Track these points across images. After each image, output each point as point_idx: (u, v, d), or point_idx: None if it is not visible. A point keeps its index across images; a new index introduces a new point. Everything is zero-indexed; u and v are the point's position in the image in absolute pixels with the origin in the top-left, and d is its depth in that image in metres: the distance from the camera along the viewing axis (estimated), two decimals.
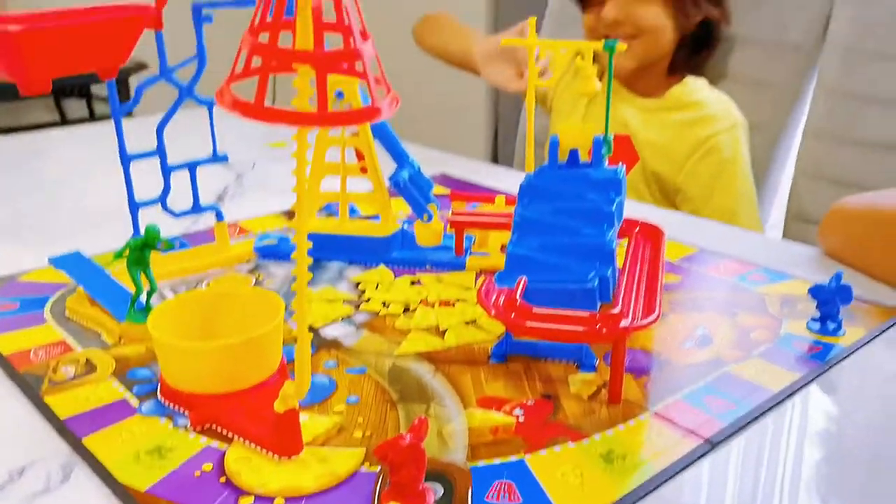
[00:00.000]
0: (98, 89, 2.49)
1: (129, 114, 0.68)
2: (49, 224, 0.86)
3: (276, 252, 0.74)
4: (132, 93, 0.67)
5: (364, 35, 0.37)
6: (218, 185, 0.97)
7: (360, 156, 0.72)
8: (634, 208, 0.85)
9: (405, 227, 0.74)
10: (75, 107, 2.48)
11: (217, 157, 0.70)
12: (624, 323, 0.50)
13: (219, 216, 0.72)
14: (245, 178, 1.00)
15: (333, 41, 0.38)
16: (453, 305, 0.64)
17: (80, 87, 2.43)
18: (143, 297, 0.59)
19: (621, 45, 0.66)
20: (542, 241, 0.58)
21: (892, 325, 0.61)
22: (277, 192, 0.94)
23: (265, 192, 0.95)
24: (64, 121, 2.37)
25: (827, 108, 1.08)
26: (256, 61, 0.38)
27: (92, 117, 2.46)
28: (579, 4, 1.16)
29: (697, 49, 1.14)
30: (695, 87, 1.12)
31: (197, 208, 0.70)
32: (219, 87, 0.38)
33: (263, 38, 0.37)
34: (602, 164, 0.62)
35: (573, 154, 0.63)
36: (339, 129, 0.71)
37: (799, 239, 1.08)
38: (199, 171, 0.70)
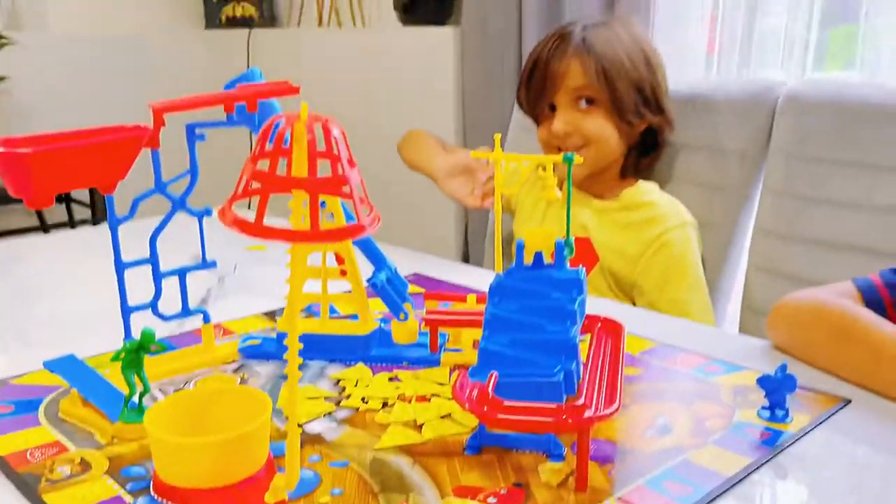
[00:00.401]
0: (77, 193, 2.54)
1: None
2: (36, 328, 0.89)
3: (259, 352, 0.77)
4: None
5: (351, 163, 0.43)
6: (201, 287, 1.01)
7: (339, 260, 0.77)
8: (597, 304, 0.90)
9: (382, 325, 0.78)
10: (55, 211, 2.52)
11: (206, 264, 0.75)
12: (588, 413, 0.54)
13: (205, 319, 0.76)
14: (227, 280, 1.04)
15: (324, 165, 0.44)
16: (429, 400, 0.68)
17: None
18: (136, 398, 0.63)
19: (578, 158, 0.73)
20: (511, 337, 0.62)
21: (835, 412, 0.66)
22: (259, 293, 0.98)
23: (247, 294, 0.99)
24: (43, 225, 2.41)
25: (774, 209, 1.16)
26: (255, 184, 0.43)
27: (71, 221, 2.51)
28: (533, 119, 1.25)
29: (644, 154, 1.23)
30: (645, 189, 1.20)
31: (186, 312, 0.74)
32: (221, 207, 0.43)
33: (263, 165, 0.42)
34: (564, 265, 0.68)
35: (538, 256, 0.68)
36: None
37: (754, 331, 1.14)
38: (186, 277, 0.74)
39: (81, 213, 2.52)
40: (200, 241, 0.74)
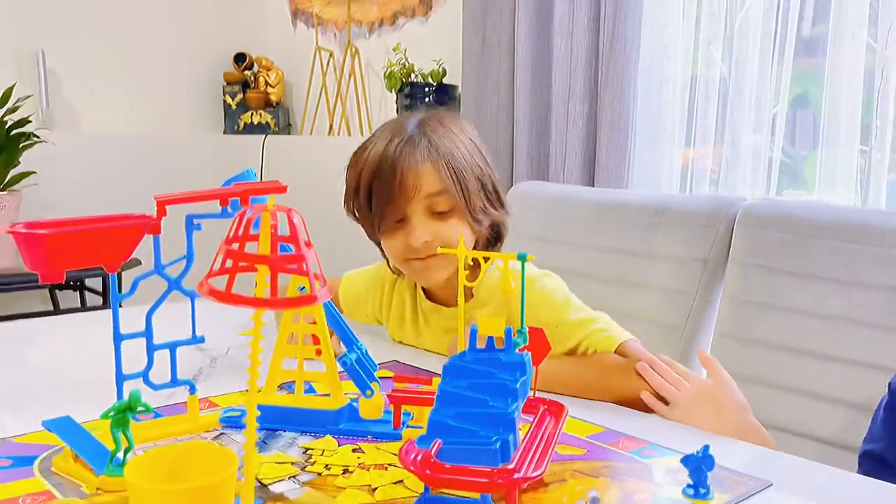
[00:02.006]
0: (91, 283, 2.66)
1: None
2: (39, 394, 0.97)
3: (239, 422, 0.85)
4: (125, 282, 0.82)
5: (308, 244, 0.52)
6: (194, 367, 1.09)
7: (316, 340, 0.85)
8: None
9: (352, 402, 0.86)
10: (69, 297, 2.63)
11: (195, 339, 0.84)
12: (517, 476, 0.61)
13: (192, 389, 0.84)
14: (219, 361, 1.13)
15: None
16: (386, 469, 0.75)
17: (75, 280, 2.60)
18: (121, 454, 0.70)
19: (531, 256, 0.82)
20: (458, 410, 0.70)
21: (756, 493, 0.73)
22: (246, 374, 1.06)
23: (236, 374, 1.07)
24: (56, 310, 2.51)
25: (733, 314, 1.24)
26: (229, 263, 0.53)
27: (83, 307, 2.61)
28: (372, 229, 1.15)
29: (489, 248, 1.16)
30: (486, 278, 1.11)
31: (175, 382, 0.82)
32: (200, 281, 0.52)
33: (235, 246, 0.52)
34: (513, 350, 0.76)
35: (490, 341, 0.77)
36: (300, 318, 0.85)
37: None
38: (179, 354, 0.83)
39: (93, 300, 2.63)
40: (192, 318, 0.83)
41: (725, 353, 1.24)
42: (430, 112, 1.17)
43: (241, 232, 0.52)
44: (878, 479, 0.84)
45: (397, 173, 1.07)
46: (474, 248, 1.14)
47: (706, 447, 0.72)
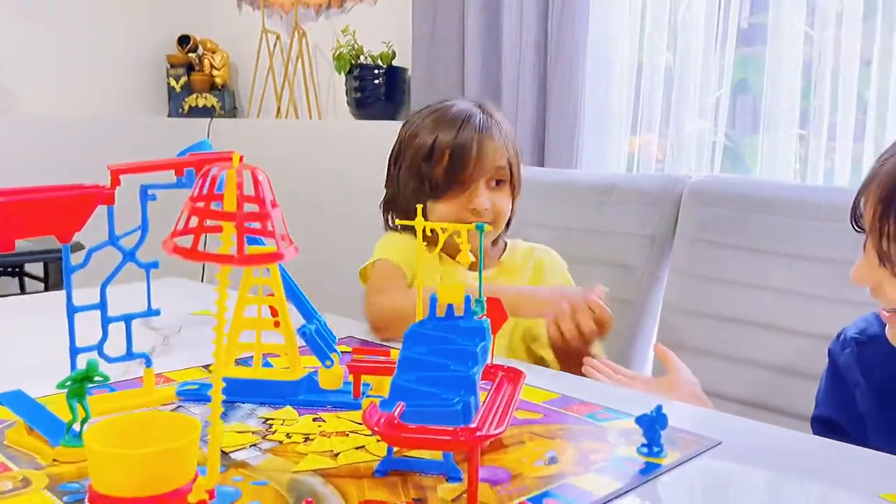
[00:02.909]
0: (31, 267, 2.58)
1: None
2: None
3: (197, 395, 0.84)
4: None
5: (273, 204, 0.52)
6: (146, 345, 1.07)
7: (274, 312, 0.85)
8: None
9: (311, 374, 0.86)
10: (7, 284, 2.56)
11: (151, 312, 0.83)
12: (479, 433, 0.63)
13: (147, 363, 0.83)
14: (172, 339, 1.11)
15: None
16: (347, 435, 0.76)
17: (13, 265, 2.52)
18: (78, 425, 0.69)
19: (489, 227, 0.84)
20: (419, 374, 0.71)
21: (706, 450, 0.75)
22: (201, 352, 1.05)
23: (189, 351, 1.06)
24: None
25: (679, 288, 1.28)
26: (193, 221, 0.53)
27: (23, 293, 2.54)
28: (431, 194, 1.26)
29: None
30: (515, 249, 1.32)
31: (130, 355, 0.81)
32: (164, 239, 0.52)
33: (200, 204, 0.52)
34: (472, 317, 0.77)
35: (449, 309, 0.78)
36: (258, 290, 0.85)
37: None
38: (132, 331, 0.82)
39: (34, 286, 2.55)
40: (147, 290, 0.82)
41: (673, 325, 1.28)
42: (483, 101, 1.34)
43: (205, 191, 0.52)
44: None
45: (475, 146, 1.22)
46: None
47: (659, 407, 0.75)
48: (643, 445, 0.74)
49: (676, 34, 1.82)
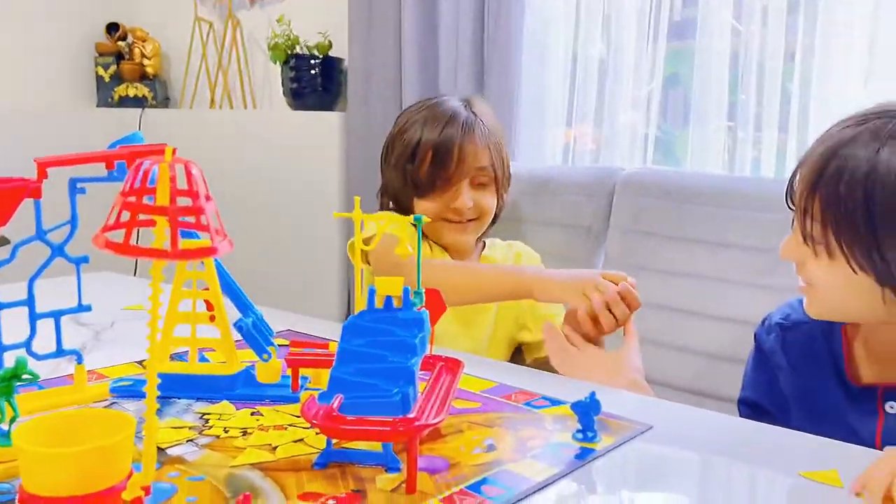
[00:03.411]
0: None
1: None
2: None
3: (131, 391, 0.83)
4: None
5: (207, 197, 0.52)
6: (77, 341, 1.05)
7: (209, 306, 0.84)
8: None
9: (248, 368, 0.85)
10: None
11: (81, 307, 0.81)
12: (417, 423, 0.63)
13: (79, 360, 0.82)
14: (103, 335, 1.09)
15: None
16: (286, 429, 0.76)
17: None
18: (6, 425, 0.67)
19: (426, 219, 0.84)
20: (358, 367, 0.71)
21: (638, 435, 0.78)
22: (134, 347, 1.03)
23: (122, 347, 1.04)
24: None
25: None
26: (125, 216, 0.52)
27: None
28: (415, 192, 1.29)
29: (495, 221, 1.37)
30: (494, 245, 1.36)
31: (60, 352, 0.79)
32: (95, 234, 0.51)
33: (131, 199, 0.51)
34: (411, 308, 0.78)
35: (388, 300, 0.78)
36: (192, 284, 0.84)
37: None
38: (62, 328, 0.80)
39: None
40: (77, 285, 0.80)
41: None
42: (472, 96, 1.37)
43: (137, 184, 0.51)
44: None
45: (456, 148, 1.25)
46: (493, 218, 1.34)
47: (593, 394, 0.77)
48: (578, 431, 0.76)
49: (610, 27, 1.85)
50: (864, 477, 0.63)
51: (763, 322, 0.99)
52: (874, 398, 0.87)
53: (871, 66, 1.48)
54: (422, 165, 1.27)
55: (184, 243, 0.53)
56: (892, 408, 0.85)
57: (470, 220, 1.29)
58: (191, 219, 0.52)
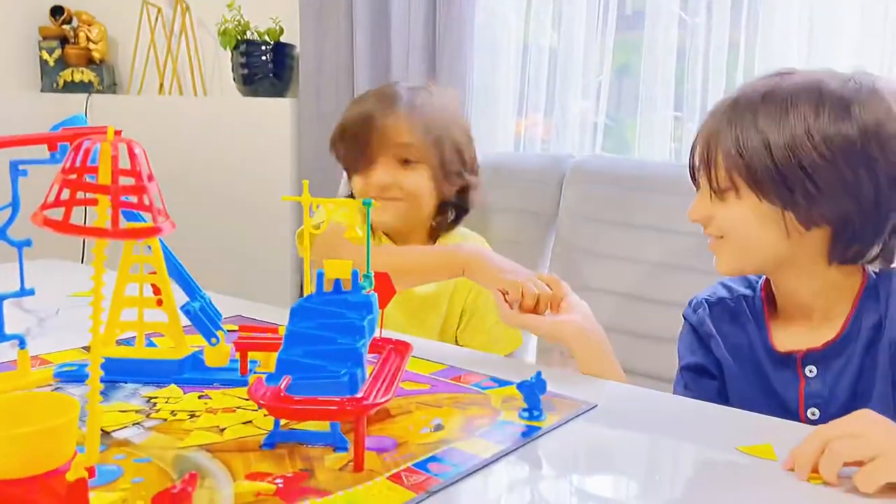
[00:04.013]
0: None
1: None
2: None
3: (75, 376, 0.82)
4: None
5: (150, 178, 0.52)
6: (21, 327, 1.03)
7: (156, 290, 0.84)
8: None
9: (196, 352, 0.85)
10: None
11: (24, 292, 0.80)
12: (365, 402, 0.64)
13: (21, 344, 0.80)
14: (48, 321, 1.07)
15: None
16: (234, 411, 0.76)
17: None
18: None
19: (375, 203, 0.85)
20: (306, 349, 0.72)
21: (582, 413, 0.79)
22: (79, 333, 1.01)
23: (67, 333, 1.02)
24: None
25: (563, 262, 1.33)
26: (65, 194, 0.51)
27: None
28: (346, 168, 1.30)
29: (455, 213, 1.32)
30: (449, 237, 1.33)
31: (2, 337, 0.78)
32: (33, 212, 0.51)
33: (72, 177, 0.50)
34: (359, 291, 0.78)
35: (337, 283, 0.78)
36: (138, 268, 0.83)
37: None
38: (4, 313, 0.78)
39: None
40: (20, 270, 0.79)
41: None
42: (428, 84, 1.38)
43: (78, 163, 0.51)
44: (698, 386, 0.94)
45: (375, 119, 1.22)
46: (441, 208, 1.30)
47: (539, 373, 0.78)
48: (524, 410, 0.78)
49: (561, 16, 1.87)
50: (794, 453, 0.66)
51: (690, 303, 1.03)
52: (795, 364, 0.91)
53: (809, 58, 1.52)
54: (343, 141, 1.28)
55: (128, 225, 0.53)
56: (811, 372, 0.90)
57: (392, 200, 1.25)
58: (133, 198, 0.51)
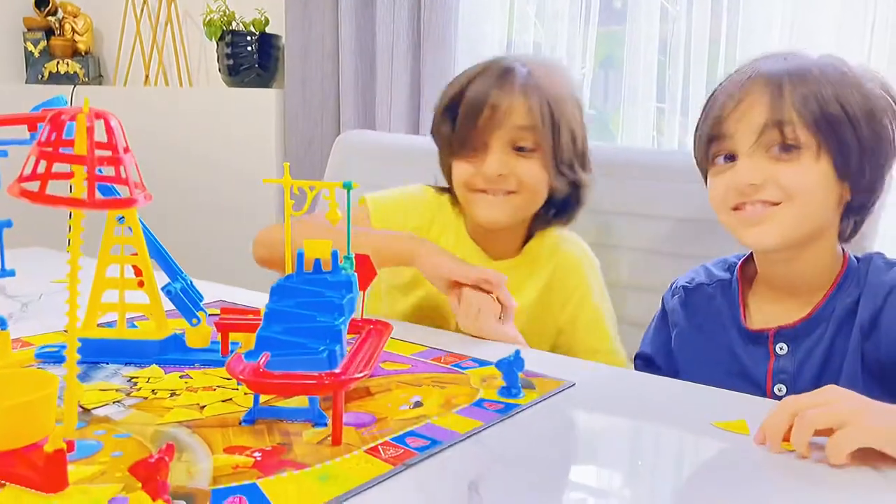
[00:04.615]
0: None
1: None
2: None
3: (57, 357, 0.82)
4: None
5: (126, 150, 0.52)
6: (3, 311, 1.03)
7: (137, 272, 0.84)
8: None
9: (178, 332, 0.85)
10: None
11: (4, 272, 0.80)
12: (343, 377, 0.65)
13: (2, 325, 0.81)
14: (30, 306, 1.07)
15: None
16: (215, 389, 0.76)
17: None
18: None
19: (355, 184, 0.85)
20: (285, 326, 0.72)
21: (561, 391, 0.80)
22: (62, 317, 1.01)
23: (50, 318, 1.02)
24: None
25: None
26: (42, 167, 0.52)
27: None
28: (448, 151, 1.12)
29: (562, 210, 1.13)
30: (545, 238, 1.17)
31: None
32: (10, 184, 0.51)
33: (48, 149, 0.51)
34: (339, 271, 0.79)
35: (317, 263, 0.79)
36: (120, 250, 0.84)
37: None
38: None
39: None
40: (0, 251, 0.79)
41: None
42: (544, 59, 1.18)
43: (53, 137, 0.51)
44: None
45: (488, 99, 1.05)
46: (549, 204, 1.12)
47: (517, 351, 0.79)
48: (503, 388, 0.79)
49: (545, 10, 1.88)
50: (765, 425, 0.67)
51: (671, 286, 1.05)
52: (766, 341, 0.92)
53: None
54: (448, 121, 1.09)
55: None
56: (781, 349, 0.91)
57: (507, 193, 1.08)
58: (109, 171, 0.52)
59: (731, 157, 0.90)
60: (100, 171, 0.53)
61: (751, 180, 0.87)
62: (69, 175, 0.52)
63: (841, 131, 0.85)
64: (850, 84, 0.86)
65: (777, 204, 0.87)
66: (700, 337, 0.97)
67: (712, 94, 0.95)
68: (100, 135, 0.54)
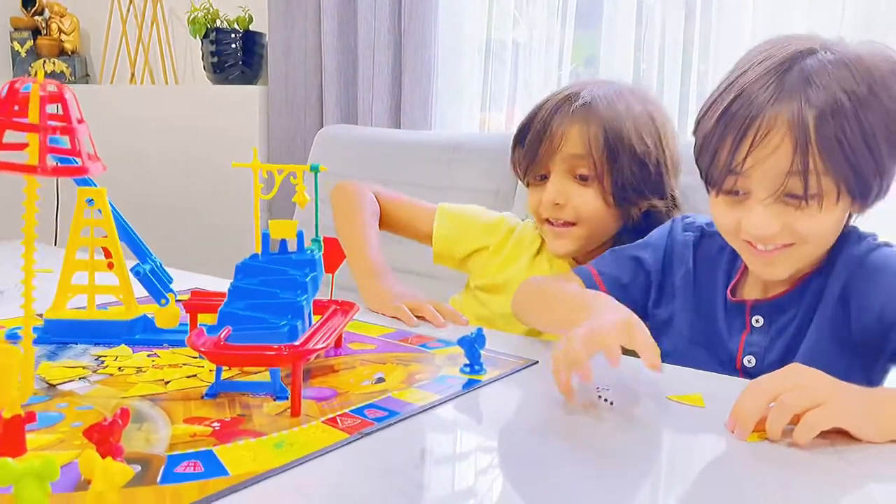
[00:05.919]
0: None
1: None
2: None
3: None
4: None
5: (80, 121, 0.53)
6: None
7: (107, 254, 0.85)
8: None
9: (147, 314, 0.86)
10: None
11: None
12: (303, 348, 0.66)
13: None
14: (6, 294, 1.08)
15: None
16: (180, 367, 0.77)
17: None
18: None
19: (323, 167, 0.87)
20: (248, 303, 0.73)
21: (523, 369, 0.82)
22: (38, 303, 1.02)
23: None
24: None
25: None
26: None
27: None
28: (521, 178, 1.14)
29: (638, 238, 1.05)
30: None
31: None
32: None
33: None
34: (304, 251, 0.80)
35: (283, 243, 0.80)
36: (89, 232, 0.85)
37: None
38: None
39: None
40: None
41: None
42: (613, 83, 1.10)
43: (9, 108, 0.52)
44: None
45: (547, 126, 1.05)
46: (620, 232, 1.09)
47: (479, 329, 0.81)
48: (465, 365, 0.80)
49: (523, 11, 1.89)
50: (736, 410, 0.66)
51: (683, 218, 1.00)
52: (744, 312, 0.91)
53: None
54: (518, 147, 1.11)
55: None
56: (757, 322, 0.90)
57: (565, 225, 1.07)
58: (64, 141, 0.53)
59: (745, 193, 0.83)
60: (57, 141, 0.54)
61: (768, 232, 0.81)
62: (24, 145, 0.53)
63: (864, 172, 0.79)
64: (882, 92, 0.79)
65: (791, 245, 0.83)
66: (695, 282, 0.96)
67: (729, 85, 0.84)
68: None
